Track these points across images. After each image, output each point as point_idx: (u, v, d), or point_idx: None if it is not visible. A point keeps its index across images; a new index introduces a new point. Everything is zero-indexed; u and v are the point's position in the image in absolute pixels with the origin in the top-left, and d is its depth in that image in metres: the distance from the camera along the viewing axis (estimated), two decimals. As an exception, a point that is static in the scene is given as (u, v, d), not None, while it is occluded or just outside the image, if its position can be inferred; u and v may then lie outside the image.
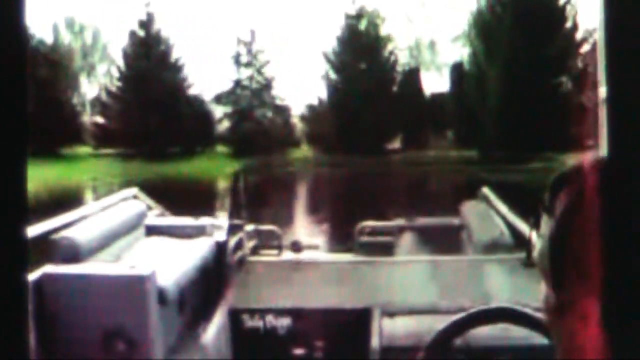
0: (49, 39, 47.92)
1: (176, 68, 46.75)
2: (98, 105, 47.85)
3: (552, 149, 34.08)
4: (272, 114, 47.72)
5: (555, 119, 37.04)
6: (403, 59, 48.32)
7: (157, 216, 5.75)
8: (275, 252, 5.66)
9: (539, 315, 1.73)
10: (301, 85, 65.20)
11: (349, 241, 6.38)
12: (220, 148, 46.27)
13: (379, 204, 20.70)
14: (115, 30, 61.60)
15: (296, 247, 5.58)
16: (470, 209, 5.92)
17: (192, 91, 47.29)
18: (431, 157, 41.45)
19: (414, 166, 38.59)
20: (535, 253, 1.08)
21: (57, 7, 57.18)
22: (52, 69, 43.98)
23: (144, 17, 46.59)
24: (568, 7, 42.27)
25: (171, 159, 42.87)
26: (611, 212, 0.83)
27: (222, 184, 34.00)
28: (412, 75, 47.00)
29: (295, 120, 48.54)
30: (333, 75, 46.93)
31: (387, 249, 5.84)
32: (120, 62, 47.12)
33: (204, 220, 5.48)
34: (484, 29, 42.36)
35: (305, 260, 5.28)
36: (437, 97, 46.18)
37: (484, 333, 1.97)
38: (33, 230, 4.10)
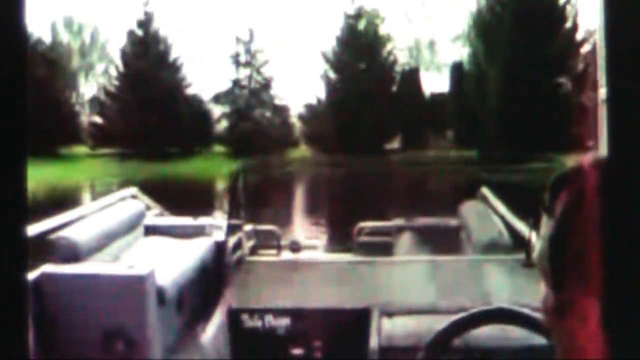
0: (47, 39, 47.98)
1: (175, 67, 46.74)
2: (96, 104, 47.82)
3: (552, 149, 34.08)
4: (270, 114, 47.70)
5: (555, 119, 37.09)
6: (402, 59, 48.35)
7: (156, 216, 5.75)
8: (274, 252, 5.66)
9: (538, 315, 1.73)
10: (300, 85, 65.15)
11: (348, 241, 6.38)
12: (219, 148, 46.25)
13: (378, 204, 20.70)
14: (114, 29, 61.54)
15: (295, 247, 5.58)
16: (469, 209, 5.91)
17: (191, 91, 47.32)
18: (431, 157, 41.45)
19: (414, 166, 38.60)
20: (535, 253, 1.08)
21: (56, 7, 57.16)
22: (50, 68, 43.91)
23: (142, 17, 46.58)
24: (568, 7, 42.26)
25: (169, 158, 42.85)
26: (611, 212, 0.83)
27: (220, 184, 34.00)
28: (412, 75, 47.00)
29: (294, 120, 48.53)
30: (332, 75, 46.92)
31: (386, 249, 5.83)
32: (119, 62, 47.11)
33: (203, 220, 5.47)
34: (484, 28, 42.38)
35: (304, 261, 5.28)
36: (436, 97, 46.19)
37: (483, 333, 1.97)
38: (32, 230, 4.10)
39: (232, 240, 4.94)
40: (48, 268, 3.90)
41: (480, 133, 40.53)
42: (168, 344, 4.01)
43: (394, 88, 46.55)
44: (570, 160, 1.03)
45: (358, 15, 46.88)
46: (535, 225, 1.07)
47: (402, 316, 3.79)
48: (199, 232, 5.25)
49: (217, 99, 47.98)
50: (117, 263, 4.44)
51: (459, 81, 43.67)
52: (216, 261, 4.86)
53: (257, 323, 4.05)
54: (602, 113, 0.79)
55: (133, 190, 5.72)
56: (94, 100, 48.43)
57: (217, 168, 38.98)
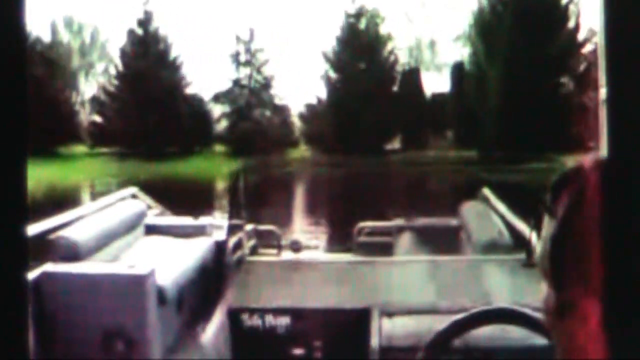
0: (47, 38, 47.96)
1: (174, 67, 46.72)
2: (96, 104, 47.79)
3: (552, 149, 34.10)
4: (270, 114, 47.68)
5: (555, 120, 37.05)
6: (403, 59, 48.34)
7: (156, 216, 5.75)
8: (274, 252, 5.67)
9: (539, 315, 1.73)
10: (300, 85, 65.17)
11: (348, 241, 6.38)
12: (219, 147, 46.22)
13: (378, 204, 20.71)
14: (114, 29, 61.55)
15: (295, 247, 5.58)
16: (469, 210, 5.91)
17: (191, 90, 47.27)
18: (431, 157, 41.44)
19: (414, 166, 38.61)
20: (536, 253, 1.08)
21: (56, 6, 57.16)
22: (49, 67, 43.85)
23: (142, 16, 46.56)
24: (571, 7, 42.16)
25: (169, 158, 42.82)
26: (611, 212, 0.83)
27: (220, 184, 34.00)
28: (412, 75, 47.00)
29: (295, 119, 48.52)
30: (332, 75, 46.91)
31: (386, 249, 5.83)
32: (118, 61, 47.09)
33: (204, 220, 5.47)
34: (485, 28, 42.34)
35: (305, 260, 5.28)
36: (437, 97, 46.18)
37: (483, 333, 1.97)
38: (32, 230, 4.10)
39: (232, 240, 4.94)
40: (48, 267, 3.90)
41: (480, 133, 40.52)
42: (168, 344, 4.01)
43: (395, 88, 46.56)
44: (571, 161, 1.03)
45: (359, 15, 46.88)
46: (535, 226, 1.06)
47: (402, 316, 3.79)
48: (199, 232, 5.25)
49: (217, 98, 47.97)
50: (117, 263, 4.44)
51: (460, 81, 43.67)
52: (216, 261, 4.86)
53: (257, 323, 4.05)
54: (603, 113, 0.79)
55: (133, 189, 5.72)
56: (93, 100, 48.41)
57: (217, 168, 38.98)
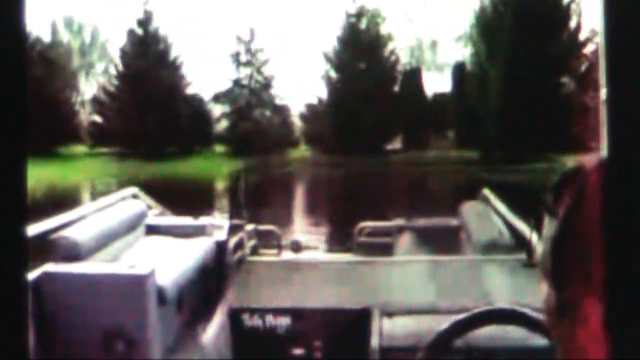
0: (47, 38, 47.93)
1: (174, 66, 46.69)
2: (96, 104, 47.77)
3: (553, 149, 34.08)
4: (270, 114, 47.66)
5: (556, 120, 37.01)
6: (404, 59, 48.33)
7: (157, 216, 5.75)
8: (274, 252, 5.66)
9: (539, 315, 1.73)
10: (301, 85, 65.16)
11: (348, 241, 6.38)
12: (219, 147, 46.20)
13: (378, 204, 20.71)
14: (114, 29, 61.56)
15: (296, 247, 5.58)
16: (469, 210, 5.91)
17: (191, 90, 47.26)
18: (431, 158, 41.44)
19: (414, 166, 38.61)
20: (536, 254, 1.08)
21: (56, 6, 57.20)
22: (49, 67, 43.76)
23: (142, 16, 46.54)
24: (572, 6, 42.09)
25: (169, 158, 42.80)
26: (612, 213, 0.83)
27: (220, 184, 33.99)
28: (414, 75, 46.99)
29: (295, 120, 48.50)
30: (333, 75, 46.90)
31: (386, 250, 5.83)
32: (118, 61, 47.07)
33: (204, 220, 5.47)
34: (486, 27, 42.29)
35: (305, 261, 5.28)
36: (438, 97, 46.17)
37: (484, 333, 1.97)
38: (32, 230, 4.10)
39: (233, 240, 4.94)
40: (48, 267, 3.90)
41: (481, 133, 40.51)
42: (168, 344, 4.01)
43: (396, 88, 46.55)
44: (572, 161, 1.03)
45: (359, 15, 46.87)
46: (536, 226, 1.06)
47: (402, 316, 3.79)
48: (199, 232, 5.24)
49: (217, 98, 47.96)
50: (118, 263, 4.44)
51: (461, 81, 43.66)
52: (217, 261, 4.86)
53: (257, 323, 4.05)
54: (603, 113, 0.79)
55: (134, 189, 5.72)
56: (93, 100, 48.39)
57: (217, 168, 38.97)
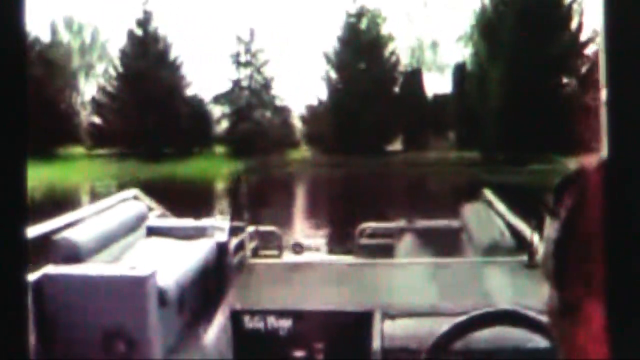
0: (47, 38, 47.90)
1: (174, 67, 46.65)
2: (95, 104, 47.72)
3: (554, 150, 34.01)
4: (271, 114, 47.64)
5: (558, 120, 36.94)
6: (405, 59, 48.32)
7: (158, 217, 5.75)
8: (275, 253, 5.66)
9: (541, 317, 1.72)
10: (301, 85, 65.14)
11: (349, 243, 6.38)
12: (218, 148, 46.17)
13: (379, 205, 20.71)
14: (114, 29, 61.56)
15: (297, 248, 5.58)
16: (470, 211, 5.91)
17: (190, 90, 47.23)
18: (432, 159, 41.41)
19: (415, 167, 38.60)
20: (539, 255, 1.08)
21: (56, 7, 57.19)
22: (48, 67, 43.63)
23: (141, 16, 46.53)
24: (574, 6, 42.00)
25: (168, 159, 42.75)
26: (613, 214, 0.82)
27: (220, 185, 34.00)
28: (414, 76, 46.97)
29: (295, 120, 48.49)
30: (333, 75, 46.89)
31: (388, 251, 5.83)
32: (118, 61, 47.03)
33: (205, 222, 5.47)
34: (487, 27, 42.23)
35: (306, 262, 5.28)
36: (438, 98, 46.15)
37: (485, 335, 1.97)
38: (34, 231, 4.11)
39: (234, 242, 4.94)
40: (50, 269, 3.90)
41: (482, 134, 40.48)
42: (169, 345, 4.01)
43: (396, 88, 46.54)
44: (573, 162, 1.03)
45: (360, 15, 46.87)
46: (537, 227, 1.06)
47: (404, 318, 3.79)
48: (201, 233, 5.25)
49: (217, 99, 47.94)
50: (119, 264, 4.44)
51: (461, 82, 43.63)
52: (218, 262, 4.86)
53: (259, 325, 4.05)
54: (604, 114, 0.79)
55: (135, 191, 5.72)
56: (93, 101, 48.35)
57: (217, 169, 38.96)
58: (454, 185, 29.10)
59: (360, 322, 3.87)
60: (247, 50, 48.18)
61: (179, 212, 6.28)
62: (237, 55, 48.28)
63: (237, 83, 48.18)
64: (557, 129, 36.18)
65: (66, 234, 4.20)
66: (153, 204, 5.88)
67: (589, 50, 41.31)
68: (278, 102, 48.20)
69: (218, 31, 74.52)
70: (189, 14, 74.08)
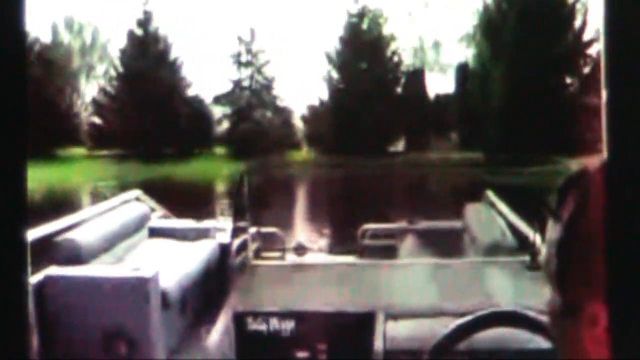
0: (47, 39, 47.88)
1: (174, 67, 46.61)
2: (95, 105, 47.70)
3: (557, 151, 33.98)
4: (271, 115, 47.60)
5: (560, 121, 36.90)
6: (407, 59, 48.29)
7: (160, 218, 5.76)
8: (278, 254, 5.66)
9: (543, 318, 1.72)
10: (302, 86, 65.11)
11: (352, 244, 6.38)
12: (219, 149, 46.14)
13: (381, 206, 20.71)
14: (115, 29, 61.53)
15: (300, 250, 5.57)
16: (473, 212, 5.91)
17: (191, 91, 47.19)
18: (434, 159, 41.39)
19: (417, 168, 38.59)
20: (541, 256, 1.08)
21: (56, 7, 57.22)
22: (47, 68, 43.58)
23: (141, 16, 46.52)
24: (577, 5, 41.89)
25: (168, 160, 42.72)
26: (613, 215, 0.82)
27: (220, 186, 33.99)
28: (416, 76, 46.94)
29: (297, 121, 48.46)
30: (335, 75, 46.86)
31: (390, 252, 5.83)
32: (118, 62, 47.01)
33: (207, 223, 5.48)
34: (490, 26, 42.15)
35: (309, 263, 5.28)
36: (441, 98, 46.12)
37: (487, 336, 1.97)
38: (37, 233, 4.11)
39: (236, 243, 4.94)
40: (52, 270, 3.91)
41: (484, 135, 40.43)
42: (171, 346, 4.01)
43: (398, 89, 46.52)
44: (576, 163, 1.02)
45: (361, 15, 46.85)
46: (539, 228, 1.06)
47: (406, 319, 3.79)
48: (203, 234, 5.25)
49: (218, 99, 47.92)
50: (121, 265, 4.45)
51: (464, 82, 43.59)
52: (220, 264, 4.87)
53: (261, 326, 4.04)
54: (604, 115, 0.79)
55: (137, 192, 5.73)
56: (93, 102, 48.33)
57: (217, 169, 38.95)
58: (455, 186, 29.09)
59: (363, 323, 3.87)
60: (248, 51, 48.16)
61: (179, 212, 6.29)
62: (238, 55, 48.27)
63: (237, 83, 48.16)
64: (560, 130, 36.16)
65: (69, 235, 4.21)
66: (155, 205, 5.89)
67: (592, 51, 41.23)
68: (279, 103, 48.18)
69: (219, 31, 74.54)
70: (189, 14, 74.04)
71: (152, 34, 46.41)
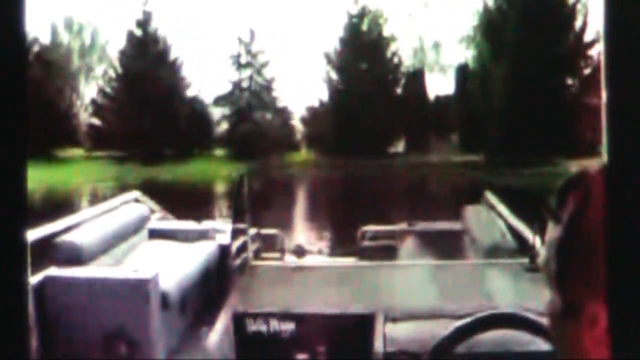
0: (47, 39, 47.84)
1: (174, 68, 46.58)
2: (95, 106, 47.67)
3: (557, 152, 34.00)
4: (271, 115, 47.58)
5: (561, 122, 36.89)
6: (407, 60, 48.27)
7: (159, 219, 5.76)
8: (278, 256, 5.66)
9: (543, 320, 1.72)
10: (302, 87, 65.06)
11: (351, 245, 6.38)
12: (218, 150, 46.12)
13: (381, 207, 20.71)
14: (114, 30, 61.52)
15: (299, 251, 5.57)
16: (472, 213, 5.91)
17: (190, 92, 47.15)
18: (434, 161, 41.39)
19: (417, 169, 38.60)
20: (541, 258, 1.08)
21: (56, 7, 57.19)
22: (46, 68, 43.51)
23: (141, 17, 46.50)
24: (578, 6, 41.86)
25: (167, 161, 42.69)
26: (614, 216, 0.82)
27: (220, 187, 33.99)
28: (416, 77, 46.93)
29: (297, 123, 48.45)
30: (334, 76, 46.86)
31: (390, 253, 5.83)
32: (117, 62, 46.98)
33: (207, 224, 5.48)
34: (490, 27, 42.12)
35: (308, 265, 5.28)
36: (441, 99, 46.11)
37: (487, 338, 1.97)
38: (37, 233, 4.12)
39: (235, 244, 4.94)
40: (52, 271, 3.91)
41: (484, 136, 40.42)
42: (171, 347, 4.01)
43: (398, 90, 46.52)
44: (576, 165, 1.02)
45: (361, 15, 46.85)
46: (539, 230, 1.06)
47: (406, 321, 3.78)
48: (202, 236, 5.25)
49: (218, 100, 47.90)
50: (121, 266, 4.45)
51: (464, 83, 43.58)
52: (220, 265, 4.87)
53: (261, 327, 4.04)
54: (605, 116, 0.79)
55: (136, 193, 5.73)
56: (92, 102, 48.31)
57: (217, 170, 38.95)
58: (455, 188, 29.09)
59: (363, 324, 3.87)
60: (248, 51, 48.14)
61: (178, 214, 6.29)
62: (238, 56, 48.25)
63: (237, 84, 48.14)
64: (561, 131, 36.16)
65: (68, 236, 4.21)
66: (155, 207, 5.89)
67: (593, 51, 41.20)
68: (278, 104, 48.15)
69: (218, 32, 74.46)
70: (189, 14, 74.04)
71: (151, 35, 46.39)
